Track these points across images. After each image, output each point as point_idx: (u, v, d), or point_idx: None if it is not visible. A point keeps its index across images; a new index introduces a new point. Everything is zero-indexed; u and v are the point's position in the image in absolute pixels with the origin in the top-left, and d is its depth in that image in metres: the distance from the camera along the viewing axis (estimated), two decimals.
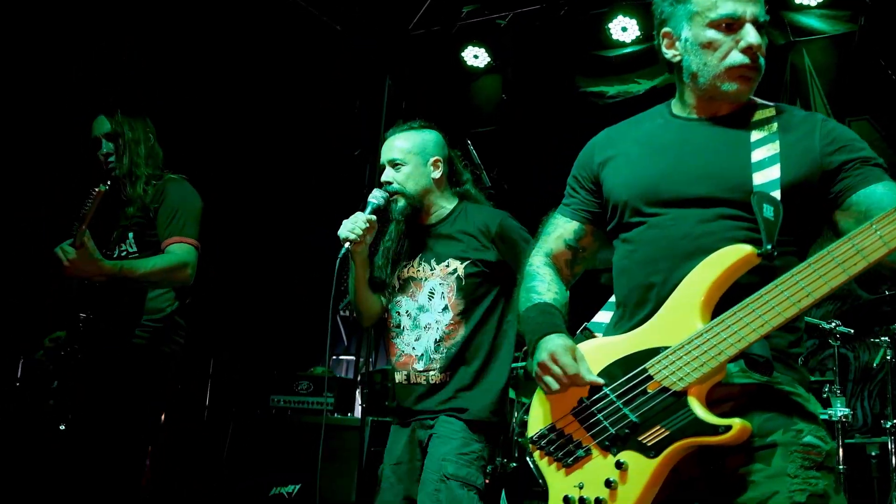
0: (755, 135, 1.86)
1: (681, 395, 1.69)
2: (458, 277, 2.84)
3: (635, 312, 1.88)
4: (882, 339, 3.56)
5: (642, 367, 1.76)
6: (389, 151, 2.96)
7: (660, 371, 1.73)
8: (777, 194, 1.76)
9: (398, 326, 2.91)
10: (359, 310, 3.00)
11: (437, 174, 2.96)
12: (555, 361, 1.82)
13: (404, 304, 2.90)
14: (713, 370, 1.66)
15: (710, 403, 1.68)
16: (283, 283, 6.68)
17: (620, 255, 1.97)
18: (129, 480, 3.14)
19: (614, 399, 1.78)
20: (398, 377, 2.87)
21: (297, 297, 6.84)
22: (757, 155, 1.82)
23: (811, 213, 1.81)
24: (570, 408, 1.86)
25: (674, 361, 1.71)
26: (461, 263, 2.85)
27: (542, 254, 2.14)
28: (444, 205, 3.00)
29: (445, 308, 2.83)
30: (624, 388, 1.78)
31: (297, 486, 4.77)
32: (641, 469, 1.70)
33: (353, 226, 2.78)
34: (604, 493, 1.74)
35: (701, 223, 1.80)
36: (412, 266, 2.94)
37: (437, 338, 2.82)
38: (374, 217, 2.83)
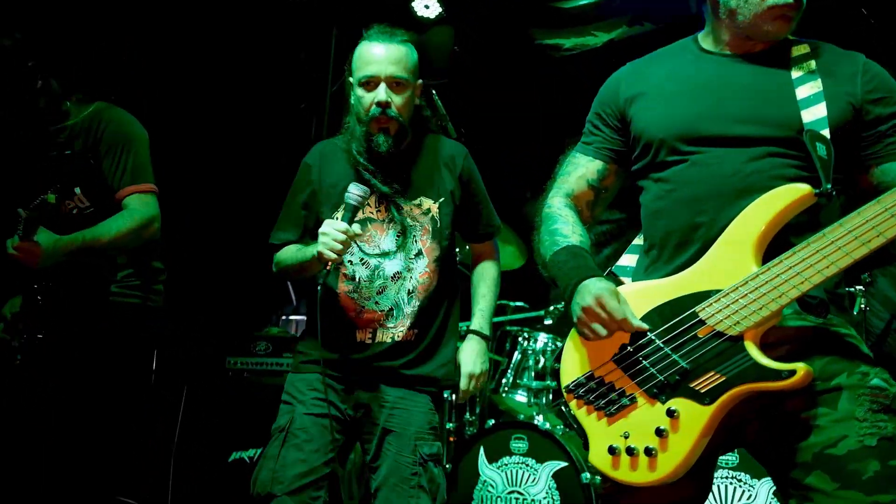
0: (795, 72, 1.80)
1: (737, 340, 1.62)
2: (434, 218, 2.53)
3: (675, 255, 1.80)
4: (857, 287, 3.61)
5: (691, 311, 1.69)
6: (392, 65, 2.43)
7: (712, 315, 1.66)
8: (826, 133, 1.70)
9: (352, 278, 2.49)
10: (296, 278, 2.67)
11: (418, 101, 2.58)
12: (602, 306, 1.73)
13: (360, 250, 2.50)
14: (773, 314, 1.60)
15: (764, 347, 1.62)
16: (226, 241, 6.43)
17: (654, 196, 1.89)
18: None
19: (661, 345, 1.71)
20: (359, 336, 2.48)
21: (241, 255, 6.61)
22: (801, 93, 1.76)
23: (849, 157, 1.76)
24: (611, 354, 1.78)
25: (728, 305, 1.64)
26: (434, 202, 2.54)
27: (562, 194, 2.05)
28: (411, 134, 2.58)
29: (419, 254, 2.51)
30: (672, 334, 1.70)
31: (259, 450, 4.60)
32: (695, 416, 1.63)
33: (333, 242, 2.28)
34: (654, 441, 1.67)
35: (750, 161, 1.73)
36: (369, 205, 2.52)
37: (410, 288, 2.49)
38: (350, 228, 2.31)
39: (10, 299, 2.88)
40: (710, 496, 3.38)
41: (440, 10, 6.51)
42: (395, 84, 2.44)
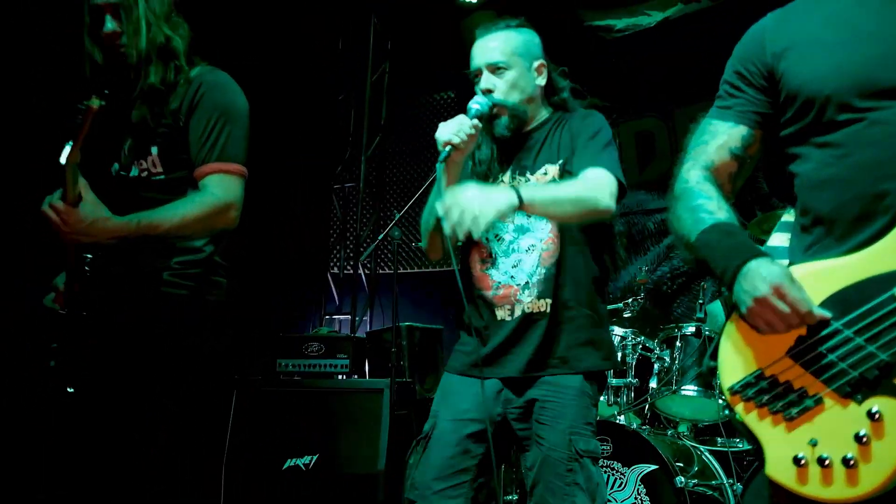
0: None
1: None
2: (555, 181, 2.42)
3: (854, 230, 1.54)
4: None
5: (889, 294, 1.43)
6: (488, 53, 2.46)
7: None
8: None
9: (489, 255, 2.48)
10: (434, 240, 2.51)
11: (542, 80, 2.52)
12: (781, 296, 1.47)
13: (496, 226, 2.45)
14: None
15: None
16: (266, 239, 6.21)
17: (818, 163, 1.62)
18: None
19: (851, 335, 1.45)
20: (500, 314, 2.41)
21: (281, 253, 6.40)
22: None
23: None
24: (785, 349, 1.52)
25: None
26: (555, 166, 2.44)
27: (700, 167, 1.78)
28: (543, 114, 2.57)
29: (547, 224, 2.42)
30: (864, 322, 1.44)
31: (315, 457, 4.38)
32: None
33: (457, 128, 2.28)
34: (852, 449, 1.41)
35: None
36: (504, 181, 2.51)
37: (541, 260, 2.40)
38: (479, 124, 2.35)
39: (64, 270, 2.47)
40: None
41: None
42: (494, 69, 2.45)
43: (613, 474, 3.40)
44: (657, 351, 3.73)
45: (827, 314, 1.47)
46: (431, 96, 6.78)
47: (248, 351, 5.00)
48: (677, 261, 5.55)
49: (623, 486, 3.36)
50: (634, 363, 3.69)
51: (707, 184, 1.76)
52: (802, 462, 1.45)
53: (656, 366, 3.71)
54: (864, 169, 1.53)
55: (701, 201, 1.71)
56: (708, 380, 3.54)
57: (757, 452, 1.54)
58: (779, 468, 1.49)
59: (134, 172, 2.42)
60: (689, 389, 3.57)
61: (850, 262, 1.51)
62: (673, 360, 3.64)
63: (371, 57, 6.51)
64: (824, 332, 1.48)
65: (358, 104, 6.66)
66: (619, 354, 3.74)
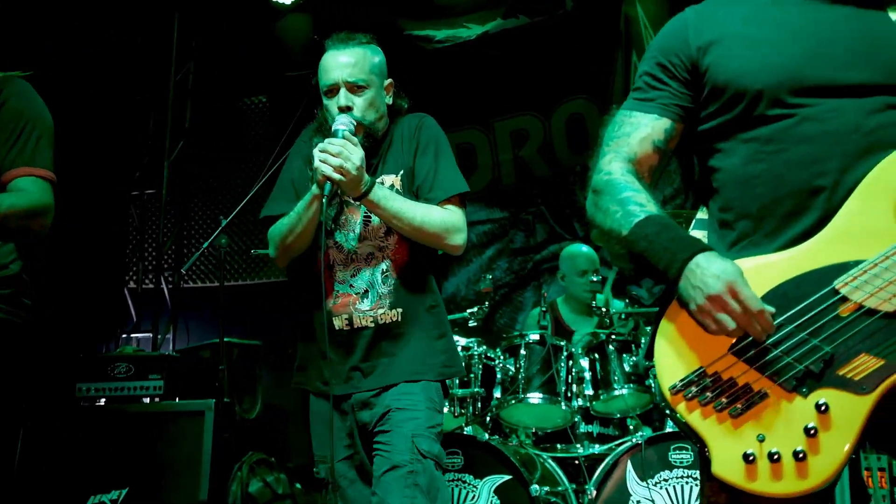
0: (893, 14, 1.62)
1: (893, 317, 1.40)
2: (397, 191, 2.46)
3: (786, 225, 1.55)
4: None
5: (829, 287, 1.45)
6: (347, 70, 2.44)
7: (857, 290, 1.43)
8: None
9: (330, 263, 2.47)
10: (290, 247, 2.47)
11: (390, 99, 2.60)
12: (734, 295, 1.44)
13: (335, 234, 2.48)
14: None
15: None
16: (57, 251, 5.54)
17: (745, 158, 1.62)
18: None
19: (794, 329, 1.46)
20: (337, 323, 2.42)
21: (73, 267, 5.74)
22: None
23: None
24: (727, 345, 1.50)
25: (879, 276, 1.42)
26: (396, 176, 2.50)
27: (622, 159, 1.73)
28: (384, 125, 2.61)
29: (389, 232, 2.45)
30: (806, 316, 1.45)
31: (124, 491, 3.92)
32: (853, 409, 1.39)
33: (346, 153, 2.26)
34: (802, 442, 1.40)
35: (870, 115, 1.52)
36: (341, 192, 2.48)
37: (385, 268, 2.45)
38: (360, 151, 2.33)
39: None
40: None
41: None
42: (354, 87, 2.46)
43: (466, 487, 3.32)
44: (500, 360, 3.71)
45: (771, 310, 1.47)
46: (242, 100, 6.43)
47: (39, 376, 4.40)
48: (499, 272, 5.65)
49: (476, 498, 3.29)
50: (480, 373, 3.64)
51: (631, 176, 1.71)
52: (752, 458, 1.43)
53: (499, 375, 3.68)
54: (797, 165, 1.55)
55: (629, 194, 1.66)
56: (553, 387, 3.57)
57: (702, 453, 1.51)
58: (726, 466, 1.46)
59: None
60: (535, 397, 3.57)
61: (787, 257, 1.52)
62: (518, 368, 3.63)
63: (175, 56, 6.03)
64: None
65: (160, 107, 6.15)
66: (464, 364, 3.67)
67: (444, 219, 2.45)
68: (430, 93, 5.90)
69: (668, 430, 3.30)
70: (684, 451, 3.19)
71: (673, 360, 1.56)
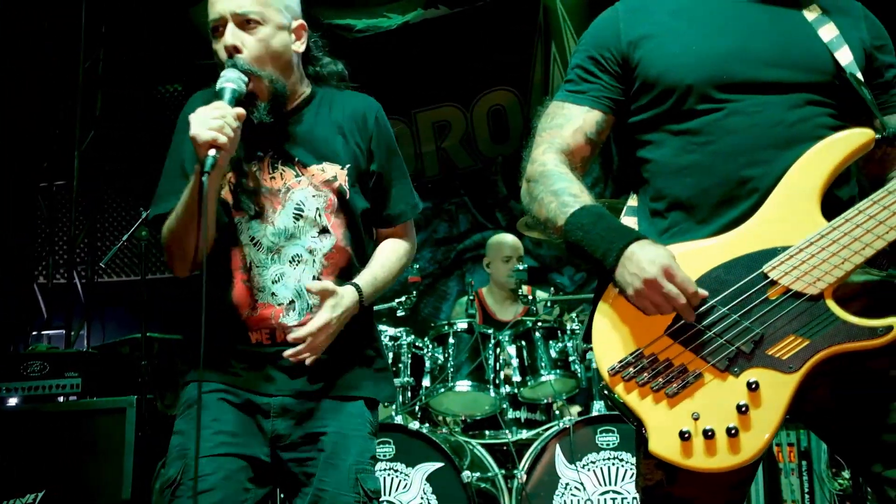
0: (808, 14, 1.71)
1: (817, 299, 1.48)
2: (341, 189, 2.02)
3: (716, 213, 1.63)
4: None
5: (759, 271, 1.53)
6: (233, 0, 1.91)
7: (785, 274, 1.51)
8: (861, 77, 1.63)
9: (246, 266, 2.00)
10: (185, 248, 1.92)
11: (301, 46, 2.04)
12: (670, 277, 1.49)
13: (254, 230, 1.99)
14: (855, 267, 1.48)
15: None
16: None
17: (676, 149, 1.69)
18: None
19: (727, 311, 1.53)
20: (253, 337, 1.98)
21: None
22: (823, 35, 1.67)
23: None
24: (663, 327, 1.56)
25: (805, 261, 1.50)
26: (342, 168, 2.04)
27: (556, 150, 1.76)
28: (304, 88, 2.10)
29: (325, 231, 2.01)
30: (738, 299, 1.53)
31: (41, 493, 3.79)
32: (779, 386, 1.47)
33: (220, 123, 1.76)
34: (734, 419, 1.48)
35: (791, 109, 1.61)
36: (262, 172, 2.01)
37: (316, 274, 2.00)
38: (242, 111, 1.84)
39: None
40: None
41: None
42: (242, 22, 1.91)
43: (398, 476, 3.33)
44: (429, 349, 3.73)
45: (704, 293, 1.54)
46: (156, 88, 6.24)
47: None
48: (423, 262, 5.67)
49: (408, 486, 3.32)
50: (409, 363, 3.66)
51: (564, 167, 1.75)
52: (687, 436, 1.50)
53: (428, 364, 3.71)
54: (726, 156, 1.62)
55: (564, 184, 1.70)
56: (481, 375, 3.62)
57: (639, 432, 1.56)
58: (663, 444, 1.52)
59: None
60: (463, 385, 3.61)
61: (718, 243, 1.59)
62: (446, 357, 3.67)
63: (83, 42, 5.80)
64: (702, 310, 1.54)
65: (69, 93, 5.91)
66: (393, 354, 3.69)
67: (410, 251, 2.23)
68: (351, 83, 5.89)
69: (595, 413, 3.39)
70: (610, 434, 3.28)
71: (611, 342, 1.61)
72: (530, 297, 3.81)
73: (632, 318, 1.59)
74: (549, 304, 3.91)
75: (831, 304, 1.48)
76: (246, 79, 1.88)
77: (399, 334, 3.73)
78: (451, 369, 3.62)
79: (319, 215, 2.02)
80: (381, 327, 3.81)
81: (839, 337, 1.46)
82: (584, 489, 3.23)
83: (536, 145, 1.80)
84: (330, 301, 1.94)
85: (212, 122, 1.77)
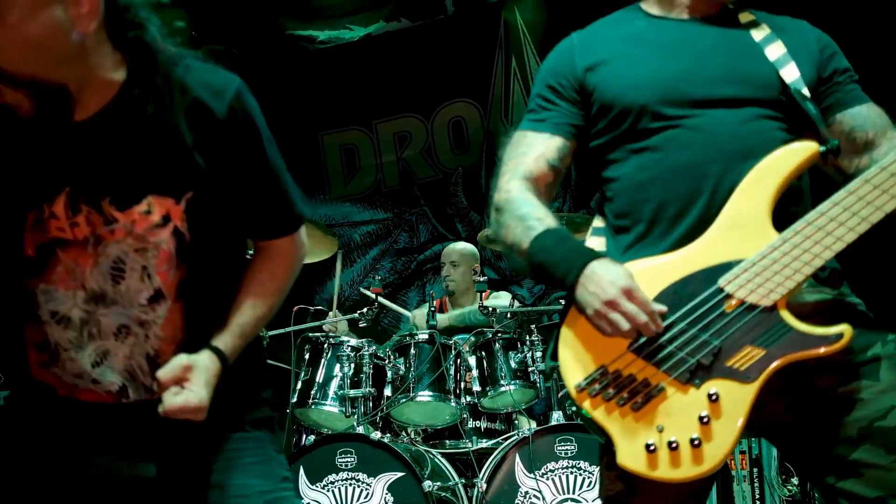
0: (755, 34, 1.79)
1: (771, 310, 1.55)
2: (178, 231, 1.48)
3: (672, 227, 1.69)
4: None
5: (715, 286, 1.59)
6: None
7: (741, 287, 1.57)
8: (807, 92, 1.71)
9: (46, 347, 1.48)
10: None
11: (90, 23, 1.36)
12: (630, 297, 1.55)
13: (54, 300, 1.46)
14: (806, 277, 1.55)
15: None
16: None
17: (636, 167, 1.75)
18: None
19: (685, 326, 1.59)
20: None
21: None
22: (770, 53, 1.75)
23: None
24: (626, 344, 1.61)
25: (759, 273, 1.56)
26: (176, 202, 1.47)
27: (520, 177, 1.82)
28: (113, 75, 1.45)
29: (158, 294, 1.49)
30: (696, 314, 1.59)
31: None
32: (739, 396, 1.53)
33: None
34: (697, 430, 1.53)
35: (743, 123, 1.68)
36: (56, 218, 1.44)
37: (152, 351, 1.51)
38: None
39: None
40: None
41: None
42: None
43: (359, 486, 3.35)
44: (391, 359, 3.76)
45: (664, 309, 1.59)
46: None
47: None
48: (383, 272, 5.69)
49: (370, 496, 3.33)
50: (371, 373, 3.68)
51: (529, 193, 1.81)
52: (652, 448, 1.55)
53: (390, 374, 3.74)
54: (683, 170, 1.69)
55: (528, 210, 1.76)
56: (442, 385, 3.66)
57: (607, 446, 1.61)
58: (630, 457, 1.57)
59: None
60: (424, 395, 3.64)
61: (675, 259, 1.65)
62: (408, 367, 3.69)
63: None
64: (662, 325, 1.59)
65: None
66: (355, 365, 3.71)
67: (295, 263, 1.72)
68: (313, 93, 5.90)
69: (553, 423, 3.45)
70: (569, 443, 3.33)
71: (576, 360, 1.66)
72: (490, 309, 3.87)
73: (595, 335, 1.64)
74: (508, 315, 3.96)
75: (785, 315, 1.54)
76: None
77: (361, 345, 3.75)
78: (413, 380, 3.64)
79: (148, 276, 1.49)
80: (344, 338, 3.84)
81: (794, 346, 1.52)
82: (544, 497, 3.28)
83: (502, 174, 1.86)
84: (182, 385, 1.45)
85: None
